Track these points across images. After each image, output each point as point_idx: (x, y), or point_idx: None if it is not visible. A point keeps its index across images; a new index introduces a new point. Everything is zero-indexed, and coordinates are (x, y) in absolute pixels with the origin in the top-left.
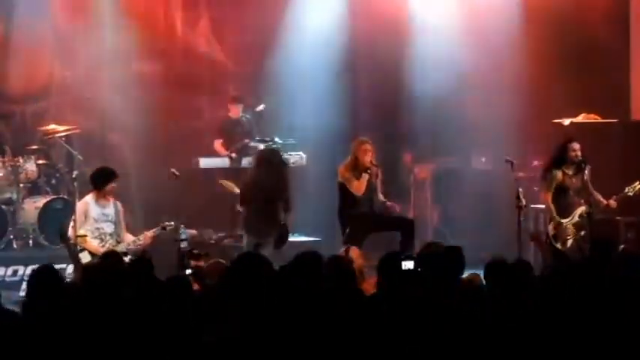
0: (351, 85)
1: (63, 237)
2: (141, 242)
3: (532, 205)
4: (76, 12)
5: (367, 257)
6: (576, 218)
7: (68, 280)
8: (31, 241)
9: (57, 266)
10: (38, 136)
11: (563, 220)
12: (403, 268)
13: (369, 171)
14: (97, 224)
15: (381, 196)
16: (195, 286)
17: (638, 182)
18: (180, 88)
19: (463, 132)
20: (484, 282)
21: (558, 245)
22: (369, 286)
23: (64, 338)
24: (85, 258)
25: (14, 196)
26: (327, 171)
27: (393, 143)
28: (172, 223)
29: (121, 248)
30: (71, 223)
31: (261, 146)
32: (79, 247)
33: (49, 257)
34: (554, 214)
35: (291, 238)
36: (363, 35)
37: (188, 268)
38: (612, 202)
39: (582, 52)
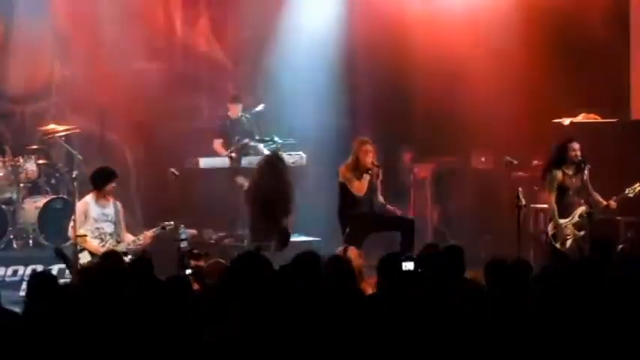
0: (351, 84)
1: (58, 252)
2: (141, 242)
3: (532, 205)
4: (75, 12)
5: (367, 257)
6: (576, 218)
7: (68, 280)
8: (31, 241)
9: (57, 266)
10: (38, 136)
11: (563, 220)
12: (403, 269)
13: (370, 172)
14: (97, 224)
15: (381, 198)
16: (195, 286)
17: (638, 183)
18: (179, 87)
19: (463, 132)
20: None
21: (558, 245)
22: (368, 286)
23: (64, 338)
24: (85, 258)
25: (14, 196)
26: (327, 171)
27: (393, 143)
28: (172, 223)
29: (121, 248)
30: (71, 223)
31: (261, 146)
32: (78, 247)
33: (49, 257)
34: (556, 214)
35: (291, 238)
36: (363, 35)
37: (188, 268)
38: (612, 203)
39: (582, 52)
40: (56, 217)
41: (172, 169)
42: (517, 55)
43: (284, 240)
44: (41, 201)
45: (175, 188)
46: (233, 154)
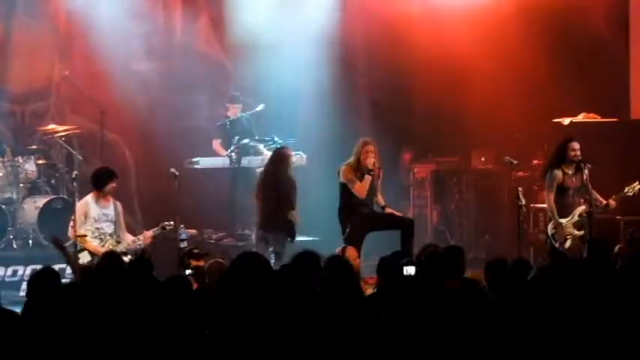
0: (351, 84)
1: (55, 242)
2: (141, 242)
3: (532, 205)
4: (75, 12)
5: (367, 257)
6: (576, 218)
7: (68, 280)
8: (31, 241)
9: (57, 266)
10: (38, 136)
11: (563, 220)
12: (405, 273)
13: (371, 173)
14: (96, 224)
15: (381, 199)
16: (195, 286)
17: (637, 182)
18: (179, 87)
19: (463, 132)
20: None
21: (558, 245)
22: (368, 286)
23: (64, 338)
24: (84, 258)
25: (14, 196)
26: (327, 171)
27: (393, 143)
28: (172, 223)
29: (120, 248)
30: (71, 223)
31: (261, 146)
32: (78, 247)
33: (49, 257)
34: (556, 214)
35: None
36: (363, 35)
37: (188, 268)
38: (612, 202)
39: (582, 52)
40: (56, 217)
41: (172, 169)
42: (517, 56)
43: (291, 231)
44: (41, 201)
45: (175, 188)
46: (233, 154)
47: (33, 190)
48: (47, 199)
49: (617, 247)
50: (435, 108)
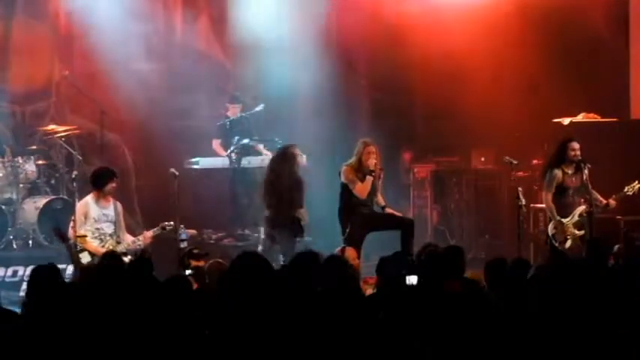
0: (350, 84)
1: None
2: (141, 242)
3: (532, 205)
4: (75, 12)
5: (368, 257)
6: (576, 217)
7: (68, 280)
8: (31, 241)
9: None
10: (38, 136)
11: (563, 220)
12: (407, 282)
13: (373, 174)
14: (96, 224)
15: (381, 199)
16: (195, 287)
17: (637, 182)
18: (179, 87)
19: (463, 132)
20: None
21: (558, 244)
22: (367, 285)
23: (64, 338)
24: (85, 258)
25: (14, 196)
26: (326, 171)
27: (393, 143)
28: (172, 223)
29: (120, 248)
30: (71, 224)
31: (261, 146)
32: (79, 247)
33: (49, 257)
34: (555, 213)
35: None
36: (363, 34)
37: (188, 268)
38: (612, 202)
39: (582, 51)
40: (56, 218)
41: (172, 169)
42: (517, 55)
43: (297, 229)
44: (41, 201)
45: (175, 188)
46: (233, 155)
47: (33, 190)
48: (47, 199)
49: (616, 247)
50: (435, 108)
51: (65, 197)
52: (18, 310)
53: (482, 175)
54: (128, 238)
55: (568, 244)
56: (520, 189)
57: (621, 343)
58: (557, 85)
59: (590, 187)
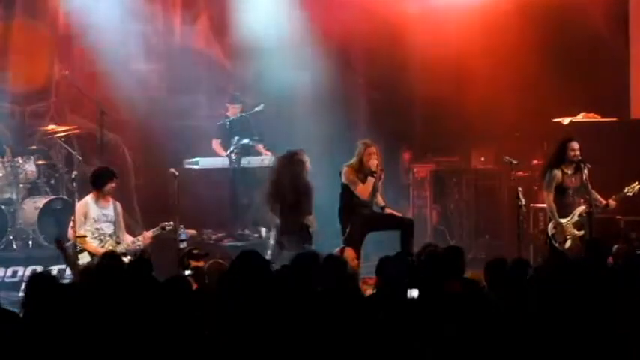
0: (349, 84)
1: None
2: (140, 242)
3: (532, 205)
4: (75, 12)
5: (368, 257)
6: (576, 218)
7: (68, 280)
8: (30, 242)
9: (57, 267)
10: (38, 136)
11: (563, 220)
12: (408, 296)
13: (374, 175)
14: (96, 225)
15: (380, 200)
16: (195, 286)
17: (637, 182)
18: (178, 87)
19: (463, 132)
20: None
21: (557, 245)
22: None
23: (64, 339)
24: (84, 258)
25: (14, 197)
26: (326, 171)
27: (393, 143)
28: (172, 223)
29: (120, 249)
30: (71, 224)
31: (260, 146)
32: (78, 248)
33: (48, 258)
34: (556, 214)
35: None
36: (362, 34)
37: (188, 268)
38: (612, 202)
39: (582, 51)
40: (56, 218)
41: (172, 169)
42: (517, 55)
43: (306, 236)
44: (41, 201)
45: (175, 188)
46: (232, 155)
47: (33, 190)
48: (47, 199)
49: (615, 247)
50: (435, 108)
51: (65, 197)
52: (17, 311)
53: (482, 175)
54: (128, 239)
55: (568, 244)
56: (520, 189)
57: (621, 342)
58: (557, 85)
59: (589, 187)
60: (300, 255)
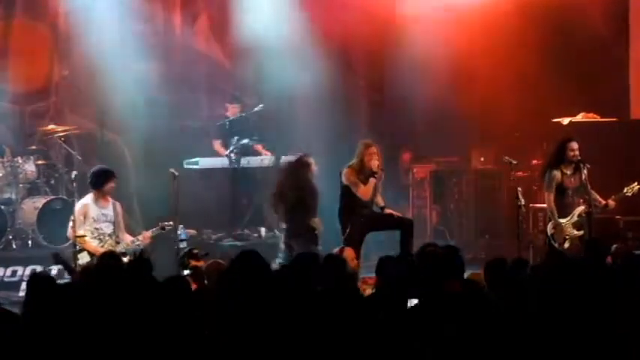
0: (349, 84)
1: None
2: (140, 242)
3: (531, 205)
4: (75, 12)
5: (368, 257)
6: (575, 218)
7: (67, 280)
8: (30, 241)
9: (57, 267)
10: (38, 136)
11: (562, 220)
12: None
13: (376, 175)
14: (96, 224)
15: (380, 200)
16: (195, 286)
17: (636, 183)
18: (179, 87)
19: (463, 132)
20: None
21: (557, 245)
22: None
23: (63, 339)
24: (84, 258)
25: (14, 196)
26: (326, 171)
27: (393, 143)
28: (171, 223)
29: (120, 248)
30: (70, 224)
31: (260, 146)
32: (78, 248)
33: (48, 257)
34: (556, 214)
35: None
36: (362, 35)
37: (187, 268)
38: (611, 202)
39: (582, 51)
40: (55, 218)
41: (172, 169)
42: (517, 55)
43: (314, 238)
44: (40, 201)
45: (175, 188)
46: (233, 155)
47: (32, 190)
48: (46, 199)
49: (614, 247)
50: (435, 108)
51: (64, 197)
52: (17, 311)
53: (482, 175)
54: (127, 238)
55: (567, 244)
56: (519, 189)
57: (620, 342)
58: (557, 85)
59: (589, 187)
60: (299, 255)
